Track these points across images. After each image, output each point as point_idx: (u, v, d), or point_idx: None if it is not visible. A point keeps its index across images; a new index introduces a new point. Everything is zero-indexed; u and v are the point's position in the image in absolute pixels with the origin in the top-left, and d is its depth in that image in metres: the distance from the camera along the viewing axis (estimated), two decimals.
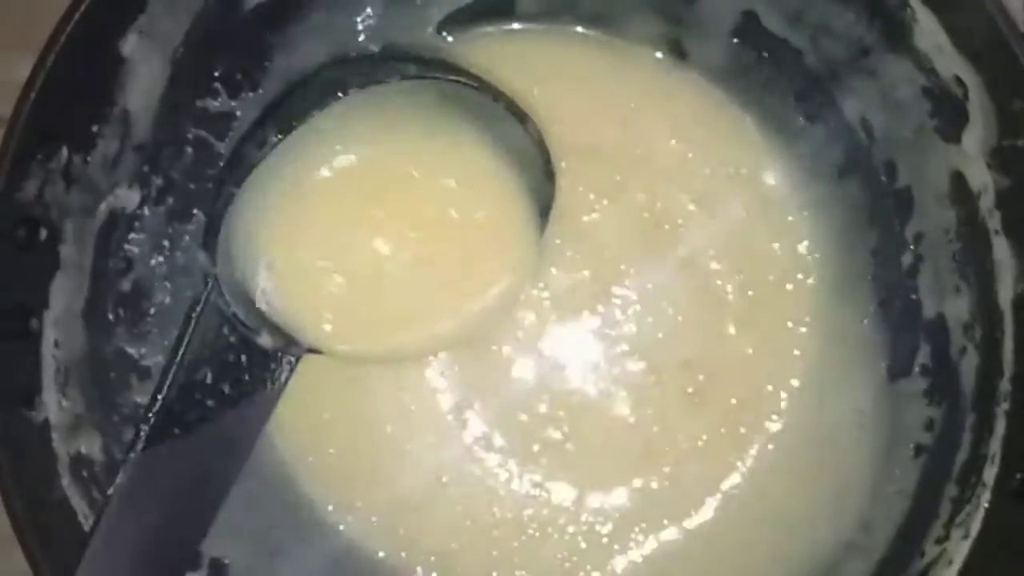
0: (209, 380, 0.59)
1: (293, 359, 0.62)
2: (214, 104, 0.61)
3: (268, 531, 0.63)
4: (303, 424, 0.64)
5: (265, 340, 0.60)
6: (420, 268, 0.60)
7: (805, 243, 0.64)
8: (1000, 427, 0.54)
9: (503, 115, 0.58)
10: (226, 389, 0.60)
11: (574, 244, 0.64)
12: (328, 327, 0.59)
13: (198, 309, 0.58)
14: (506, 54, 0.65)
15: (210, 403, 0.59)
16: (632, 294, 0.64)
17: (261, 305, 0.59)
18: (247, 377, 0.60)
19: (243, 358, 0.60)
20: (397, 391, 0.64)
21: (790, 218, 0.64)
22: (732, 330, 0.64)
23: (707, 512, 0.64)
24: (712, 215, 0.64)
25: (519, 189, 0.60)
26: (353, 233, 0.59)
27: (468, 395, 0.64)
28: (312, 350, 0.60)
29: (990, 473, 0.54)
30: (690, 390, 0.64)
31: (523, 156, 0.60)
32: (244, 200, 0.57)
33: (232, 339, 0.60)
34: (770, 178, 0.65)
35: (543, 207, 0.61)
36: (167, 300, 0.61)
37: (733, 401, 0.64)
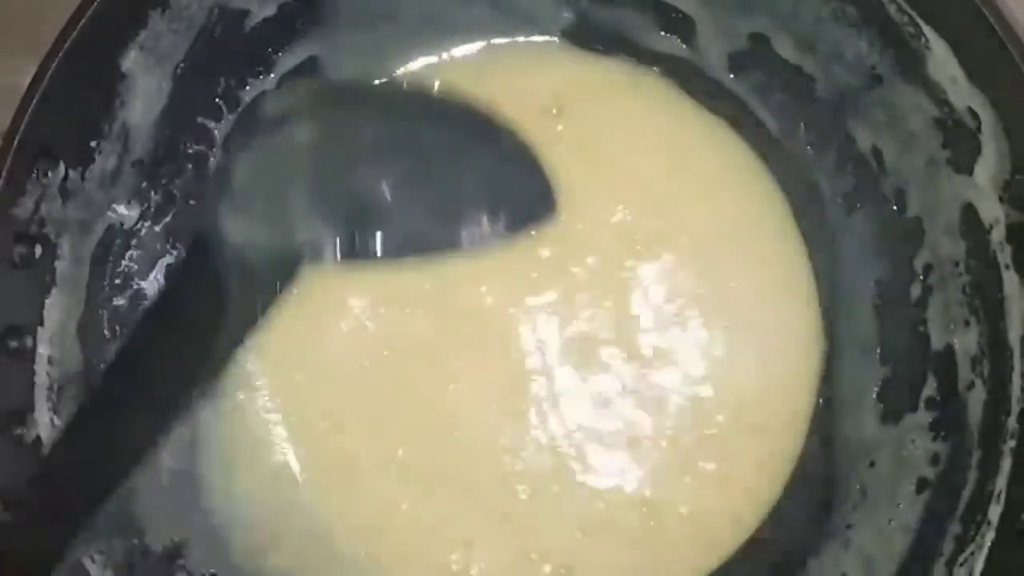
0: None
1: None
2: (215, 120, 0.60)
3: None
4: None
5: None
6: None
7: (809, 269, 0.64)
8: (1006, 465, 0.53)
9: None
10: None
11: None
12: None
13: None
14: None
15: None
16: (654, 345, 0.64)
17: None
18: None
19: None
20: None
21: (798, 244, 0.64)
22: (738, 354, 0.63)
23: None
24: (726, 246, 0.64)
25: None
26: None
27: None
28: None
29: (995, 512, 0.53)
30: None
31: None
32: None
33: None
34: (780, 203, 0.64)
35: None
36: None
37: (725, 422, 0.63)
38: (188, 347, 0.57)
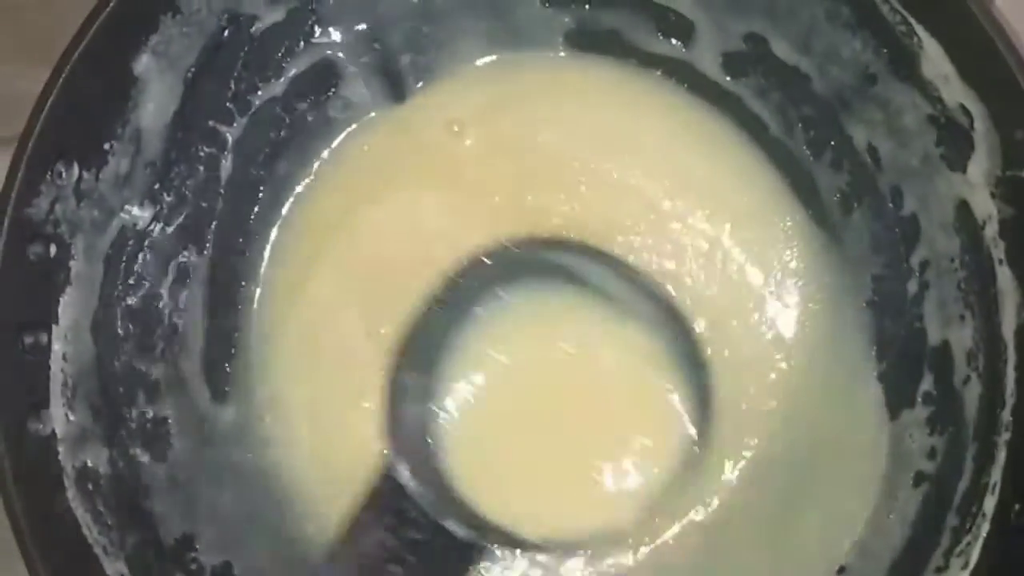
0: None
1: None
2: (227, 124, 0.62)
3: None
4: None
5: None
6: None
7: (805, 266, 0.64)
8: (1001, 457, 0.53)
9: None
10: None
11: None
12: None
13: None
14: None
15: None
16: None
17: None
18: None
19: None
20: None
21: (795, 243, 0.65)
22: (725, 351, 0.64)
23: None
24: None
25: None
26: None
27: None
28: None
29: (990, 503, 0.53)
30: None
31: None
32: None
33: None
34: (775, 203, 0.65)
35: None
36: (177, 316, 0.62)
37: (718, 419, 0.63)
38: None
